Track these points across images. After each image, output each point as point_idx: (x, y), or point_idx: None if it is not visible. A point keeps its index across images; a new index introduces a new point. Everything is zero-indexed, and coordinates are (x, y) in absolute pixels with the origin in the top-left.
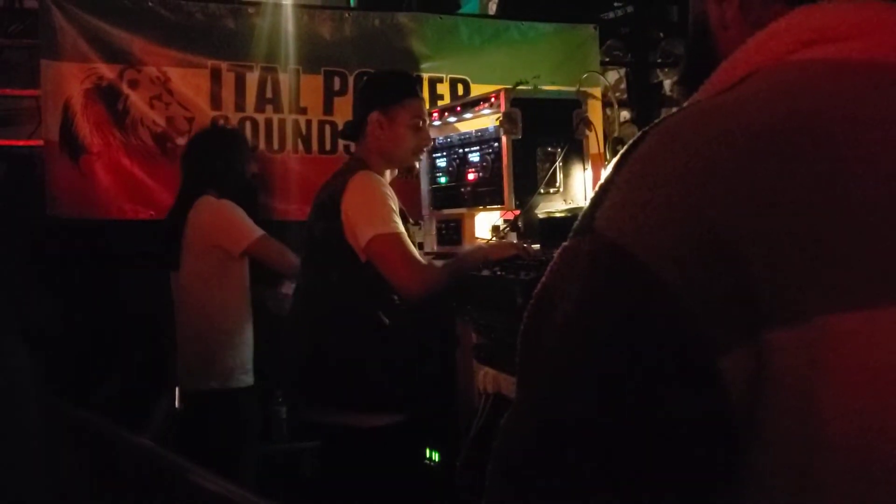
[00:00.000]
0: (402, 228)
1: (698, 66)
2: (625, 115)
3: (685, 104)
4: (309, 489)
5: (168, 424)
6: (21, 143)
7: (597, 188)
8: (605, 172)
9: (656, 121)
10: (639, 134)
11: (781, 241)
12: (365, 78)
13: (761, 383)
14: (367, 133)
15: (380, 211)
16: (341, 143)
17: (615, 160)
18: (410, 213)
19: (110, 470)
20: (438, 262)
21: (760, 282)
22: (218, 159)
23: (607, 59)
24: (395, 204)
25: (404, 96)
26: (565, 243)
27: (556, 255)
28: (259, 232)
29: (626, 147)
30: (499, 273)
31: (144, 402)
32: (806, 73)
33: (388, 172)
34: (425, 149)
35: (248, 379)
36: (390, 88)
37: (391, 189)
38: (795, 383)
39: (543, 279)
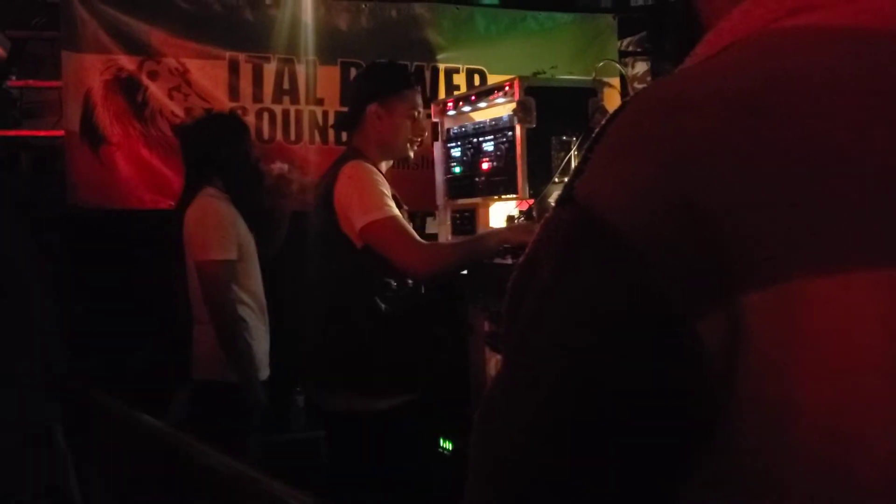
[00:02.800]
0: (396, 212)
1: (685, 39)
2: None
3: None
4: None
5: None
6: (44, 133)
7: (579, 158)
8: (589, 143)
9: (637, 91)
10: (620, 104)
11: (757, 206)
12: (361, 70)
13: (735, 349)
14: (366, 125)
15: (371, 196)
16: None
17: (597, 130)
18: (424, 203)
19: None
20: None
21: (736, 246)
22: (222, 146)
23: (639, 50)
24: (386, 189)
25: (402, 87)
26: (548, 214)
27: (538, 226)
28: (214, 255)
29: (607, 117)
30: (511, 260)
31: (165, 390)
32: (786, 39)
33: (384, 164)
34: (420, 139)
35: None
36: (388, 80)
37: (382, 176)
38: (769, 348)
39: (527, 250)
